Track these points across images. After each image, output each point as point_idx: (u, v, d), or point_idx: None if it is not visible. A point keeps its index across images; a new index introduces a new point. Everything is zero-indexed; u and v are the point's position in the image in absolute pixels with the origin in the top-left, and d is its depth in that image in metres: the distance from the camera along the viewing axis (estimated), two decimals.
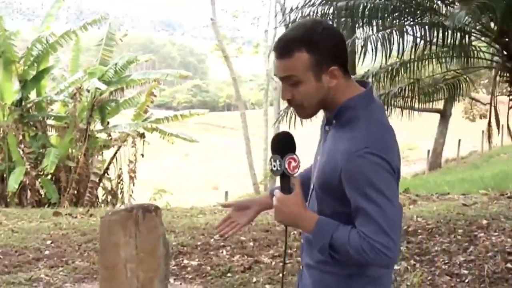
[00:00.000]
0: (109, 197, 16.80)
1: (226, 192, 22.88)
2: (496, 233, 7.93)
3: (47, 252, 7.12)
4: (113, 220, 4.23)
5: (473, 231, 8.02)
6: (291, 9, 6.91)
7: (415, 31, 5.85)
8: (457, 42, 6.17)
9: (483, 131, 30.63)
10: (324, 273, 2.28)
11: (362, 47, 5.72)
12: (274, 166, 2.17)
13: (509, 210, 9.48)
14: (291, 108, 2.29)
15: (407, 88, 6.87)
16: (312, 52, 2.13)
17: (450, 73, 7.49)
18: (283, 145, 2.19)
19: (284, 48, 2.16)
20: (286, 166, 2.15)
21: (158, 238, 4.23)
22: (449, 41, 6.12)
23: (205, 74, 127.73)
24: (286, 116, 7.25)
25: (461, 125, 33.57)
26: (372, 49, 5.91)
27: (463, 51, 6.59)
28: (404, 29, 5.73)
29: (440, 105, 22.53)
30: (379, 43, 5.71)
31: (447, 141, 27.69)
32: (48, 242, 7.63)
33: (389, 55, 5.89)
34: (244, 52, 35.01)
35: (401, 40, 5.67)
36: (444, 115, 26.74)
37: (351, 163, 2.07)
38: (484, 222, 8.51)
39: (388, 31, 5.78)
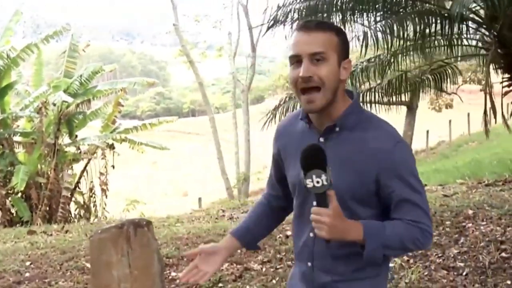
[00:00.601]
0: (82, 212, 16.45)
1: (200, 199, 22.69)
2: (484, 223, 7.84)
3: (27, 274, 6.80)
4: (103, 238, 3.97)
5: (461, 222, 7.94)
6: (278, 7, 6.69)
7: (415, 21, 5.69)
8: (454, 30, 6.07)
9: (450, 121, 30.99)
10: (363, 280, 2.29)
11: (363, 39, 5.54)
12: (318, 182, 2.03)
13: (491, 198, 9.43)
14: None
15: (395, 80, 6.72)
16: (340, 37, 2.22)
17: (437, 63, 7.40)
18: (317, 158, 2.05)
19: (319, 24, 2.21)
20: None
21: (152, 254, 3.98)
22: (446, 29, 5.99)
23: (166, 81, 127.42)
24: (274, 118, 7.05)
25: (426, 116, 33.73)
26: (373, 41, 5.76)
27: (458, 39, 6.51)
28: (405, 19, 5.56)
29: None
30: (379, 34, 5.53)
31: (414, 132, 27.77)
32: (28, 263, 7.32)
33: (391, 46, 5.72)
34: (208, 56, 34.72)
35: (401, 29, 5.51)
36: (411, 107, 26.76)
37: (390, 159, 2.16)
38: (470, 212, 8.43)
39: (389, 21, 5.61)
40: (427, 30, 5.81)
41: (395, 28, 5.58)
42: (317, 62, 2.14)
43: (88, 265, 6.93)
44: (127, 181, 38.25)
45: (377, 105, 9.70)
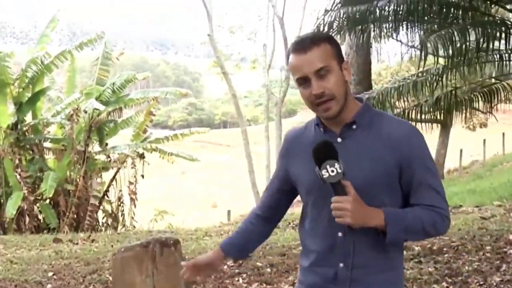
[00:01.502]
0: (110, 220, 16.32)
1: (229, 211, 22.40)
2: None
3: (49, 286, 6.59)
4: (126, 257, 3.74)
5: (502, 248, 7.58)
6: (326, 11, 6.44)
7: (477, 31, 5.37)
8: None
9: (484, 140, 30.41)
10: (391, 271, 2.40)
11: (421, 49, 5.23)
12: (333, 171, 2.15)
13: None
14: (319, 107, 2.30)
15: (444, 97, 6.38)
16: (332, 44, 2.34)
17: (488, 80, 7.06)
18: (329, 151, 2.20)
19: (312, 40, 2.31)
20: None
21: (179, 275, 3.72)
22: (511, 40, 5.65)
23: (199, 92, 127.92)
24: None
25: (460, 134, 33.14)
26: (434, 51, 5.45)
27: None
28: (467, 28, 5.23)
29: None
30: (439, 44, 5.20)
31: (447, 151, 27.34)
32: (50, 274, 7.12)
33: (454, 56, 5.41)
34: (242, 68, 34.56)
35: (463, 39, 5.19)
36: (445, 125, 26.31)
37: (408, 145, 2.30)
38: (511, 237, 8.07)
39: (449, 30, 5.29)
40: (489, 42, 5.45)
41: (456, 38, 5.23)
42: (323, 76, 2.27)
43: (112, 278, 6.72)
44: (155, 191, 38.19)
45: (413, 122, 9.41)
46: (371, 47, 7.82)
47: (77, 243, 10.24)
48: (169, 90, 17.62)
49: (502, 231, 8.39)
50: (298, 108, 76.99)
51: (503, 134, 30.67)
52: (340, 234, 2.34)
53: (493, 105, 7.04)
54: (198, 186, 47.56)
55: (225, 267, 7.23)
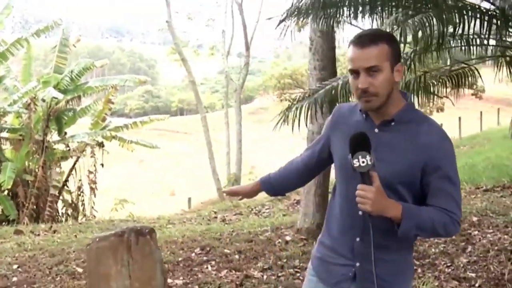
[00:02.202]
0: (70, 211, 16.04)
1: (189, 199, 22.32)
2: (491, 230, 7.62)
3: (15, 279, 6.43)
4: (101, 247, 3.66)
5: (466, 230, 7.69)
6: None
7: (454, 17, 5.39)
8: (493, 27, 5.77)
9: (441, 125, 30.81)
10: (400, 250, 2.63)
11: (400, 35, 5.23)
12: (364, 162, 2.34)
13: (493, 205, 9.22)
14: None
15: (413, 81, 6.40)
16: (390, 45, 2.49)
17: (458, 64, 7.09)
18: (364, 143, 2.38)
19: (372, 38, 2.47)
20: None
21: (155, 265, 3.68)
22: (485, 26, 5.69)
23: (155, 79, 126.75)
24: (287, 119, 6.68)
25: None
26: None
27: (484, 39, 6.22)
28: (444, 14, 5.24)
29: None
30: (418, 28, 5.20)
31: None
32: (15, 266, 6.95)
33: (430, 42, 5.42)
34: (200, 54, 34.31)
35: (441, 25, 5.20)
36: None
37: (438, 152, 2.46)
38: (475, 219, 8.20)
39: (427, 15, 5.30)
40: (464, 27, 5.49)
41: (434, 23, 5.25)
42: (373, 73, 2.43)
43: (79, 269, 6.60)
44: (113, 180, 37.83)
45: None
46: (335, 32, 7.81)
47: (38, 235, 10.06)
48: (128, 77, 17.32)
49: (465, 213, 8.49)
50: (255, 94, 76.90)
51: (459, 118, 31.12)
52: (360, 213, 2.54)
53: (458, 89, 7.12)
54: (156, 174, 47.31)
55: (193, 254, 7.19)
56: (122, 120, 33.85)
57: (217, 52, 31.74)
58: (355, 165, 2.36)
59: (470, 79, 7.03)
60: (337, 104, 3.11)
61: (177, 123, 66.18)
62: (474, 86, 27.05)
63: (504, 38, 6.36)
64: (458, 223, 2.50)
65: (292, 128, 6.52)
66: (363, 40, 2.46)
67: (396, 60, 2.51)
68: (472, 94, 31.91)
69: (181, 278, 6.24)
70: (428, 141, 2.48)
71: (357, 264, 2.64)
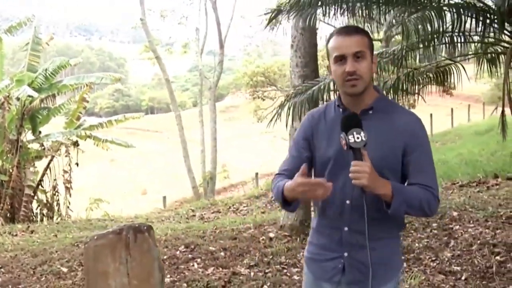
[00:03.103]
0: (45, 210, 15.84)
1: (164, 197, 22.18)
2: (472, 225, 7.69)
3: None
4: (99, 245, 3.61)
5: (447, 224, 7.78)
6: None
7: (452, 13, 5.44)
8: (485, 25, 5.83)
9: None
10: (388, 239, 2.74)
11: (402, 30, 5.26)
12: (358, 138, 2.46)
13: (471, 200, 9.32)
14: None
15: (404, 78, 6.45)
16: (369, 38, 2.71)
17: (445, 61, 7.15)
18: (356, 121, 2.51)
19: (357, 29, 2.73)
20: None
21: (153, 262, 3.65)
22: (480, 23, 5.75)
23: (125, 78, 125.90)
24: (280, 116, 6.70)
25: None
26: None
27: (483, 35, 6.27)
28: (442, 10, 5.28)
29: None
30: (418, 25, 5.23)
31: None
32: None
33: (431, 38, 5.46)
34: (173, 52, 34.08)
35: (440, 21, 5.24)
36: None
37: (415, 133, 2.67)
38: (455, 213, 8.28)
39: (426, 12, 5.34)
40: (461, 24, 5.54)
41: (434, 19, 5.29)
42: (358, 59, 2.63)
43: (64, 269, 6.55)
44: (86, 179, 37.50)
45: None
46: (317, 29, 7.84)
47: (16, 235, 9.96)
48: (103, 75, 17.18)
49: (444, 208, 8.58)
50: (226, 92, 76.82)
51: (431, 115, 31.43)
52: (348, 202, 2.68)
53: (444, 85, 7.20)
54: (129, 173, 47.03)
55: (178, 252, 7.17)
56: (93, 119, 33.59)
57: (189, 50, 31.59)
58: (350, 141, 2.46)
59: (452, 76, 7.09)
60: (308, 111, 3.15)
61: (148, 122, 65.85)
62: (446, 83, 27.42)
63: (486, 35, 6.44)
64: (438, 199, 2.65)
65: (286, 125, 6.54)
66: (348, 30, 2.70)
67: (372, 53, 2.73)
68: (443, 91, 32.26)
69: (168, 276, 6.22)
70: (405, 125, 2.67)
71: (345, 254, 2.73)
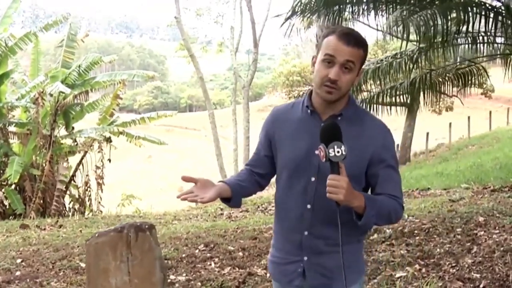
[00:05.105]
0: (77, 206, 16.07)
1: None
2: (497, 231, 7.52)
3: (18, 273, 6.43)
4: (100, 242, 3.63)
5: (472, 230, 7.62)
6: None
7: (459, 13, 5.33)
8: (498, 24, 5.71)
9: (450, 124, 30.69)
10: (349, 244, 2.67)
11: (403, 30, 5.18)
12: (339, 152, 2.39)
13: (500, 205, 9.13)
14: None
15: (419, 80, 6.33)
16: (365, 51, 2.66)
17: (465, 62, 6.99)
18: (336, 133, 2.44)
19: (357, 40, 2.62)
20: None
21: (154, 261, 3.64)
22: (490, 22, 5.63)
23: (165, 75, 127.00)
24: None
25: (426, 118, 33.36)
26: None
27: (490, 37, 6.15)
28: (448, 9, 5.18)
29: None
30: (421, 24, 5.14)
31: (414, 134, 27.52)
32: (19, 260, 6.97)
33: (433, 39, 5.37)
34: (209, 51, 34.24)
35: (444, 21, 5.14)
36: (411, 109, 26.47)
37: (381, 145, 2.67)
38: (481, 219, 8.12)
39: (429, 12, 5.25)
40: (469, 24, 5.41)
41: (439, 19, 5.18)
42: (345, 70, 2.59)
43: (83, 264, 6.59)
44: (121, 175, 37.90)
45: (376, 105, 9.35)
46: None
47: (44, 229, 10.08)
48: (136, 72, 17.36)
49: (471, 213, 8.43)
50: (264, 91, 76.89)
51: (469, 117, 30.98)
52: (309, 206, 2.68)
53: (465, 87, 7.04)
54: (164, 170, 47.35)
55: (197, 251, 7.17)
56: (131, 115, 33.87)
57: (225, 49, 31.68)
58: (330, 155, 2.40)
59: (477, 77, 6.93)
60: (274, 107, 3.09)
61: (186, 119, 66.33)
62: (484, 85, 26.90)
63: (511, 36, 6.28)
64: (403, 207, 2.70)
65: None
66: (350, 39, 2.60)
67: (362, 66, 2.70)
68: (481, 94, 31.74)
69: (184, 274, 6.22)
70: (373, 134, 2.67)
71: (305, 258, 2.74)
